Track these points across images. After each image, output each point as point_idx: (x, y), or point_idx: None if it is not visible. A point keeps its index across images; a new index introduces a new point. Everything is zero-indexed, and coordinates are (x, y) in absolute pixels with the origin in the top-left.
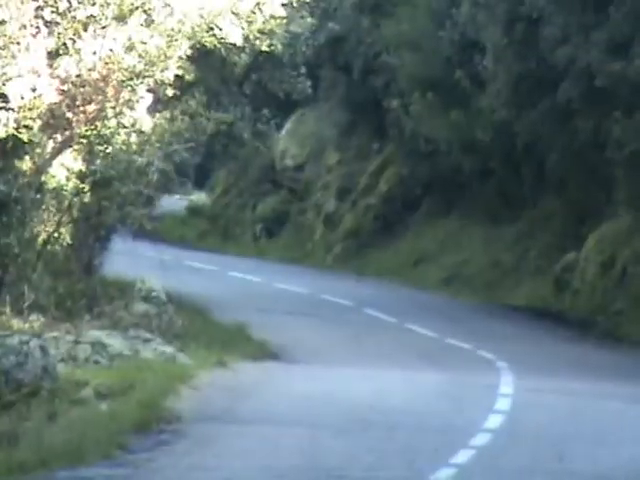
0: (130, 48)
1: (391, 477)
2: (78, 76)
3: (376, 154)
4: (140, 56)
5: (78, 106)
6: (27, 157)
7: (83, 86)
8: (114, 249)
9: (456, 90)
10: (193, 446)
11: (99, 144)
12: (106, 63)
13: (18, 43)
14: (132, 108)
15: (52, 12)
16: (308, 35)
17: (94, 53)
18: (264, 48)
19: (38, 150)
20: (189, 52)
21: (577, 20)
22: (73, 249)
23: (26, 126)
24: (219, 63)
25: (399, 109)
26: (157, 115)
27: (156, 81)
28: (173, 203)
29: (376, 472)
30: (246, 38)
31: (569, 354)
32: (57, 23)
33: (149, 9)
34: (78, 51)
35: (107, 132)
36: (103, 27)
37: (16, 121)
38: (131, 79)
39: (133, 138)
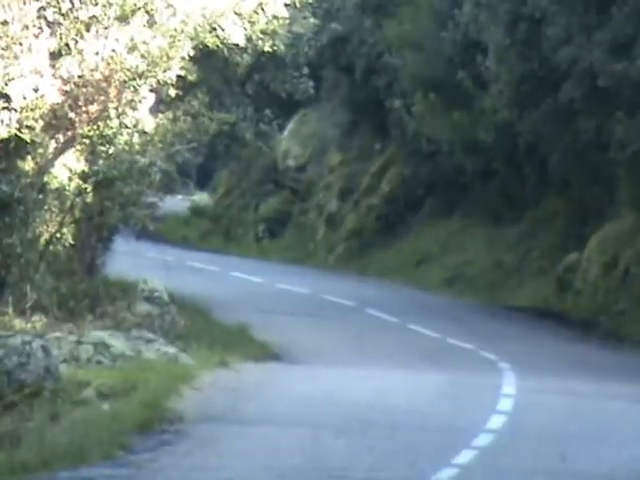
0: (132, 48)
1: (392, 477)
2: (80, 76)
3: (378, 154)
4: (142, 56)
5: (80, 106)
6: (29, 157)
7: (85, 86)
8: (116, 249)
9: (458, 90)
10: (195, 446)
11: (101, 144)
12: (108, 63)
13: (20, 44)
14: (134, 108)
15: (54, 13)
16: (310, 35)
17: (96, 53)
18: (266, 48)
19: (40, 150)
20: (191, 52)
21: (580, 20)
22: (75, 249)
23: (28, 126)
24: (221, 63)
25: (401, 109)
26: (159, 115)
27: (158, 81)
28: (175, 204)
29: (377, 472)
30: (249, 38)
31: (571, 354)
32: (59, 23)
33: (151, 9)
34: (80, 51)
35: (109, 132)
36: (105, 27)
37: (18, 121)
38: (133, 79)
39: (135, 138)
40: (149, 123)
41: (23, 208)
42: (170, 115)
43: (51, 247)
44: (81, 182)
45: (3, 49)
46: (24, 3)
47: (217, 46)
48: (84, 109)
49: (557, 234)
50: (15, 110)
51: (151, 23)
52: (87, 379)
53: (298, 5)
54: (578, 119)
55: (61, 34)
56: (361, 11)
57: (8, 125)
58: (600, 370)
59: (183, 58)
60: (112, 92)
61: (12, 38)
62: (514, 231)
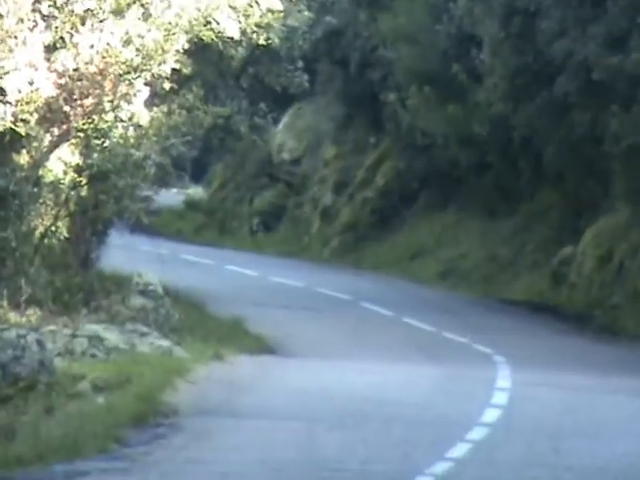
0: (127, 42)
1: (387, 470)
2: (75, 70)
3: (373, 148)
4: (137, 50)
5: (75, 100)
6: (24, 151)
7: (80, 80)
8: (111, 243)
9: (453, 84)
10: (190, 440)
11: (96, 138)
12: (103, 57)
13: (15, 37)
14: (129, 102)
15: (49, 6)
16: (305, 29)
17: (91, 47)
18: (261, 42)
19: (35, 144)
20: (186, 46)
21: (574, 13)
22: (70, 243)
23: (23, 120)
24: (216, 57)
25: (396, 103)
26: (154, 109)
27: (153, 75)
28: (170, 197)
29: (372, 465)
30: (243, 32)
31: (566, 348)
32: (54, 17)
33: (146, 3)
34: (75, 45)
35: (104, 126)
36: (101, 21)
37: (13, 115)
38: (128, 73)
39: (130, 132)
40: (144, 116)
41: (18, 202)
42: (165, 108)
43: (46, 241)
44: (76, 175)
45: None
46: None
47: (212, 39)
48: (79, 102)
49: (552, 227)
50: (10, 103)
51: (146, 16)
52: (82, 372)
53: None
54: (573, 112)
55: (56, 27)
56: (356, 4)
57: (3, 119)
58: (595, 364)
59: (178, 51)
60: (107, 85)
61: (7, 32)
62: (509, 224)
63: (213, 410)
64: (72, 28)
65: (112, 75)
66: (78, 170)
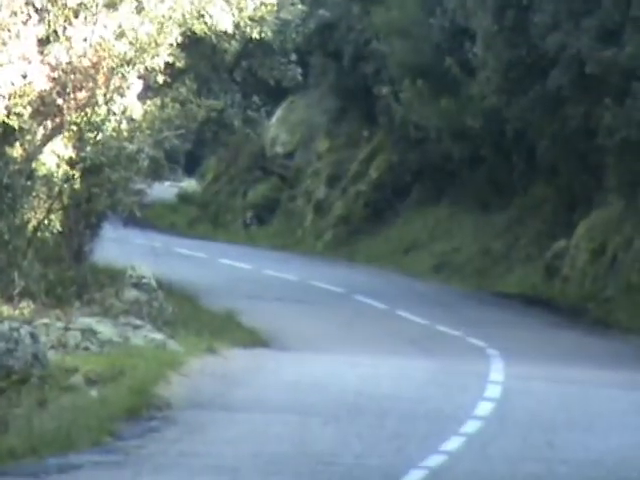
0: (121, 35)
1: (381, 464)
2: (69, 63)
3: (366, 141)
4: (131, 43)
5: (68, 93)
6: (17, 144)
7: (74, 73)
8: (104, 236)
9: (446, 77)
10: (183, 433)
11: (89, 131)
12: (96, 50)
13: (9, 30)
14: (122, 95)
15: None
16: (298, 22)
17: (85, 40)
18: (254, 35)
19: (28, 137)
20: (180, 39)
21: (567, 7)
22: (63, 236)
23: (16, 113)
24: (209, 50)
25: (389, 96)
26: (147, 102)
27: (146, 68)
28: (163, 190)
29: (366, 459)
30: (236, 25)
31: (560, 341)
32: (48, 10)
33: None
34: (69, 38)
35: (97, 119)
36: (94, 14)
37: (6, 108)
38: (121, 66)
39: (123, 125)
40: (137, 110)
41: (11, 194)
42: (158, 102)
43: (39, 233)
44: (69, 169)
45: None
46: None
47: (205, 33)
48: (72, 96)
49: (545, 221)
50: (3, 97)
51: (139, 10)
52: (75, 365)
53: None
54: (566, 106)
55: (49, 21)
56: None
57: None
58: (588, 357)
59: (171, 45)
60: (100, 79)
61: (0, 25)
62: (502, 218)
63: (206, 403)
64: (65, 21)
65: (105, 68)
66: (71, 163)
